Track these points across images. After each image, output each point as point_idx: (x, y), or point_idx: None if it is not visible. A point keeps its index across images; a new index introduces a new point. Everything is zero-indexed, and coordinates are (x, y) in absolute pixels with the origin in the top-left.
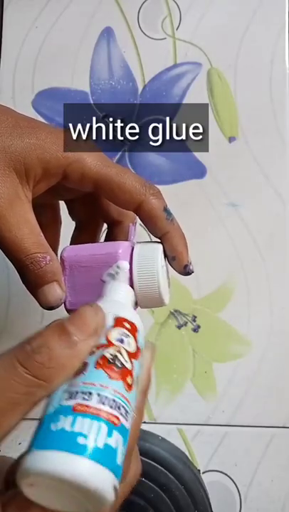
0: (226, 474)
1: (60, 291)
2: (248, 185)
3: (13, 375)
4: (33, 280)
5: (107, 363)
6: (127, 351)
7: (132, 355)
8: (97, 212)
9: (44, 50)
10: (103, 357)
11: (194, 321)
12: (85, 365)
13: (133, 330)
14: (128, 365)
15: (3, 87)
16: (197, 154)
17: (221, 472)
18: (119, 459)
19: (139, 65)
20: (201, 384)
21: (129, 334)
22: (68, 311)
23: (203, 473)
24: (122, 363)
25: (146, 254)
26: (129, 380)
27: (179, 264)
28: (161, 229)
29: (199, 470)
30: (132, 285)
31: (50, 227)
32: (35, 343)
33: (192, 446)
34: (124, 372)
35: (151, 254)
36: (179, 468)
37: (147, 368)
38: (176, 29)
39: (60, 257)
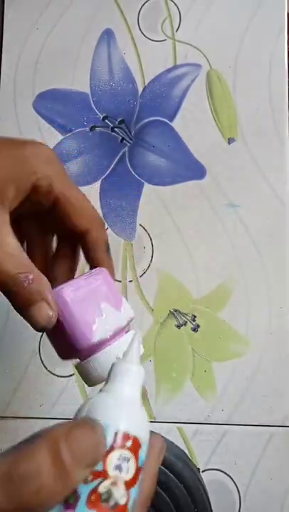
0: (225, 473)
1: (48, 311)
2: (247, 186)
3: None
4: (19, 302)
5: (99, 502)
6: (124, 481)
7: (130, 483)
8: (61, 224)
9: (45, 52)
10: (96, 493)
11: (194, 320)
12: (76, 496)
13: (135, 448)
14: (123, 500)
15: (4, 89)
16: (197, 155)
17: (220, 471)
18: None
19: (139, 67)
20: (201, 383)
21: (130, 456)
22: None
23: (203, 471)
24: (116, 502)
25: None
26: None
27: None
28: (99, 260)
29: (199, 468)
30: (93, 352)
31: (39, 238)
32: (23, 468)
33: (192, 444)
34: (118, 511)
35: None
36: (179, 466)
37: (152, 475)
38: (176, 31)
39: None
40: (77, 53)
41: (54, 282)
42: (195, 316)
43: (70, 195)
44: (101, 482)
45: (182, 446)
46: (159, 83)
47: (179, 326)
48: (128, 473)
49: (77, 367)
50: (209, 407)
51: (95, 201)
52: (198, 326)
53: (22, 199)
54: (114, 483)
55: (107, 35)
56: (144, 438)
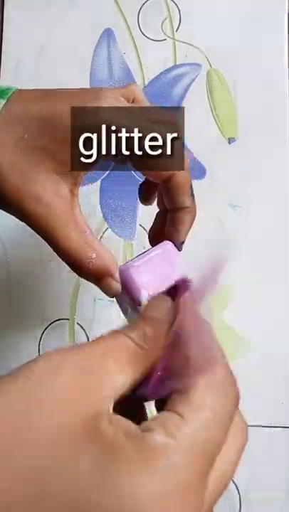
0: None
1: (114, 285)
2: (247, 186)
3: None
4: (89, 279)
5: None
6: None
7: None
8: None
9: (44, 52)
10: None
11: None
12: None
13: None
14: None
15: None
16: (197, 155)
17: None
18: None
19: (139, 67)
20: None
21: None
22: None
23: None
24: None
25: None
26: None
27: (178, 239)
28: (183, 203)
29: None
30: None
31: None
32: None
33: None
34: None
35: None
36: None
37: None
38: (176, 30)
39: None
40: (77, 53)
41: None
42: None
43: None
44: None
45: None
46: (159, 83)
47: None
48: None
49: None
50: None
51: (95, 201)
52: None
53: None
54: None
55: (107, 34)
56: None
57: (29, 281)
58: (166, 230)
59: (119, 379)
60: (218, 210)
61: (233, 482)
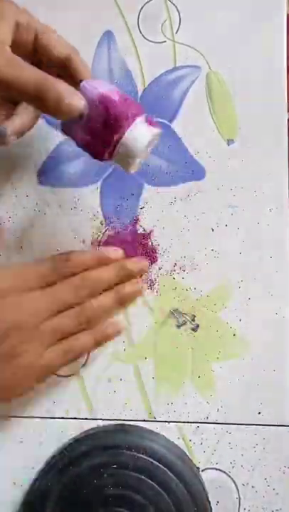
0: (224, 472)
1: (80, 99)
2: (247, 187)
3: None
4: (52, 100)
5: None
6: None
7: None
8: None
9: None
10: None
11: (193, 320)
12: None
13: None
14: None
15: None
16: (196, 156)
17: (219, 470)
18: None
19: (139, 68)
20: (200, 383)
21: None
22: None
23: (203, 471)
24: None
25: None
26: None
27: (86, 76)
28: (66, 53)
29: (198, 468)
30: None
31: None
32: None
33: (191, 444)
34: None
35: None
36: (179, 466)
37: None
38: (176, 32)
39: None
40: None
41: None
42: (195, 316)
43: (46, 29)
44: None
45: (182, 446)
46: (159, 85)
47: (178, 326)
48: None
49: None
50: (209, 406)
51: (95, 201)
52: (197, 325)
53: (13, 35)
54: None
55: (107, 36)
56: None
57: None
58: (77, 78)
59: None
60: (217, 210)
61: (233, 481)
